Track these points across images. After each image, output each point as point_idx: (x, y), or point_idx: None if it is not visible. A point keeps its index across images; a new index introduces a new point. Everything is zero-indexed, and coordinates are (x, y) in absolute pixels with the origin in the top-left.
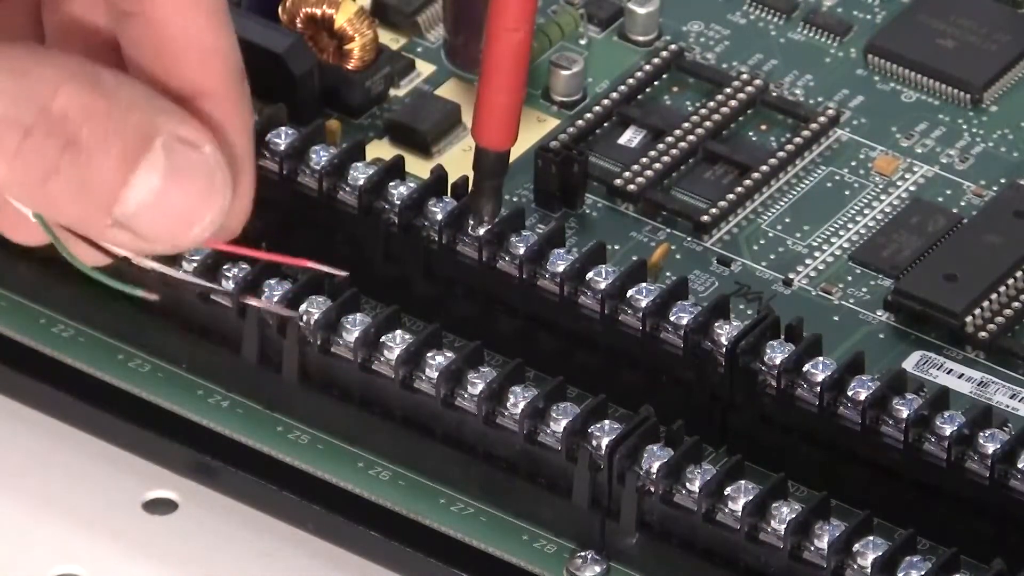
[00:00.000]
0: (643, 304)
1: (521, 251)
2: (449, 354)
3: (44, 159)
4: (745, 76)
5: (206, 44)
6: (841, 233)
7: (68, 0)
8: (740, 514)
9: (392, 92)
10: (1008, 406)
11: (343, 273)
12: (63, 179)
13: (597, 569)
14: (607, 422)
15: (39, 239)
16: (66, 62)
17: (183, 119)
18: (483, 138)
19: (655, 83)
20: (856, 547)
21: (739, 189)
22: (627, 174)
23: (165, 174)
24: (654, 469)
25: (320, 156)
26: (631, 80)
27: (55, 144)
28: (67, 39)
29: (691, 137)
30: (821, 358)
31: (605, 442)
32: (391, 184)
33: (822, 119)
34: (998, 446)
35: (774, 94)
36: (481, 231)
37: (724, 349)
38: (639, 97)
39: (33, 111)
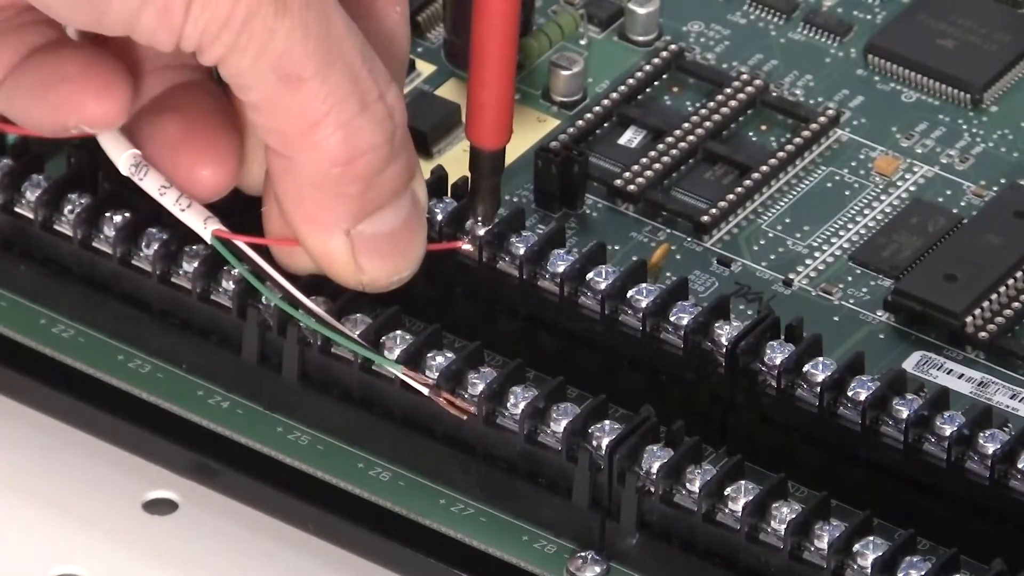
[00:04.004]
0: (643, 304)
1: (521, 251)
2: (449, 354)
3: (369, 137)
4: (745, 76)
5: (403, 37)
6: (841, 233)
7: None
8: (740, 514)
9: None
10: (1008, 406)
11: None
12: (367, 164)
13: (597, 569)
14: (607, 422)
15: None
16: (386, 71)
17: (423, 182)
18: (476, 137)
19: (655, 83)
20: (856, 547)
21: (739, 189)
22: (627, 174)
23: (407, 218)
24: (654, 469)
25: None
26: (631, 80)
27: (383, 130)
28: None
29: (691, 137)
30: (821, 358)
31: (605, 442)
32: None
33: (822, 119)
34: (998, 446)
35: (774, 94)
36: (481, 231)
37: (724, 349)
38: (639, 97)
39: (375, 94)
